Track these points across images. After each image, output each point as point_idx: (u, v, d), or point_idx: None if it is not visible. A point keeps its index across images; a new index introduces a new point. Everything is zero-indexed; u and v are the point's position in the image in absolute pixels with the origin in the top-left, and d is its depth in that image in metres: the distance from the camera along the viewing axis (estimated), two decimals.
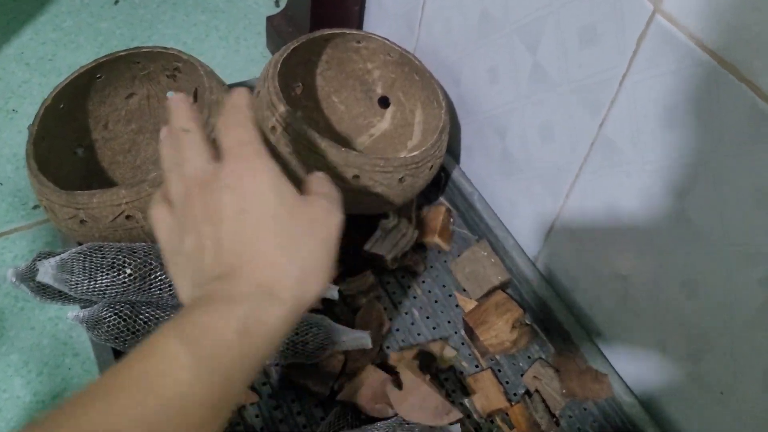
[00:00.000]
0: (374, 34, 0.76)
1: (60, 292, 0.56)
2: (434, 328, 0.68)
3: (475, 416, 0.62)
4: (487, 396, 0.62)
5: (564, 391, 0.62)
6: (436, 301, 0.70)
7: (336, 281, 0.68)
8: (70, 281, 0.54)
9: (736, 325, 0.50)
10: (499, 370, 0.65)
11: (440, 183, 0.80)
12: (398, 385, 0.58)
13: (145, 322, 0.55)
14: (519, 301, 0.69)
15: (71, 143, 0.71)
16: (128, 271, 0.55)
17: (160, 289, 0.56)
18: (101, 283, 0.54)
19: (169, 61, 0.71)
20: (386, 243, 0.71)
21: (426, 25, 0.79)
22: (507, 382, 0.65)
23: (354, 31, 0.76)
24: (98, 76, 0.69)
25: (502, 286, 0.71)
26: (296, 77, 0.78)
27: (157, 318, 0.56)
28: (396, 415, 0.56)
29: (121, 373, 0.30)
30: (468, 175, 0.80)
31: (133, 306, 0.56)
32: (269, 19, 1.15)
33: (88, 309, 0.55)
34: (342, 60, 0.79)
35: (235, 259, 0.35)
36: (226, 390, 0.32)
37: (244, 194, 0.36)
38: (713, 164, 0.47)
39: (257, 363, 0.34)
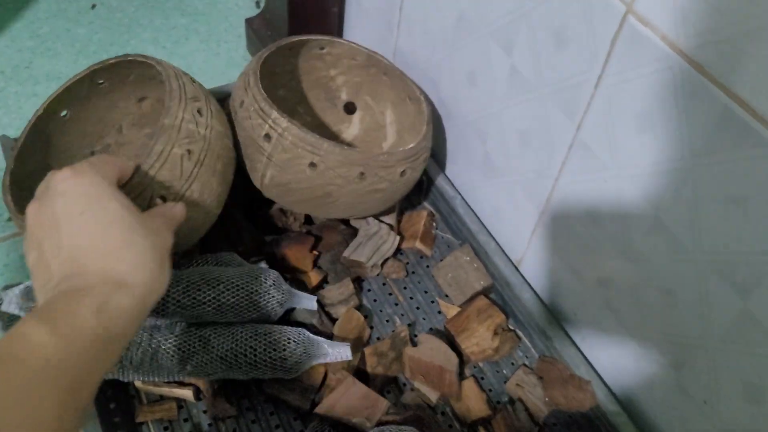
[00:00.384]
0: (340, 39, 0.75)
1: None
2: (416, 336, 0.67)
3: (458, 425, 0.61)
4: (469, 405, 0.61)
5: (547, 399, 0.62)
6: (418, 308, 0.69)
7: (314, 290, 0.67)
8: None
9: (714, 333, 0.49)
10: (482, 378, 0.64)
11: (422, 187, 0.79)
12: None
13: None
14: (502, 306, 0.68)
15: (79, 149, 0.69)
16: None
17: None
18: None
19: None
20: (367, 249, 0.70)
21: (404, 28, 0.78)
22: (490, 390, 0.64)
23: (319, 37, 0.74)
24: (100, 81, 0.67)
25: (485, 291, 0.70)
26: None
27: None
28: (375, 426, 0.55)
29: None
30: (451, 179, 0.79)
31: None
32: (248, 21, 1.13)
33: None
34: (305, 69, 0.78)
35: (81, 255, 0.38)
36: (88, 367, 0.35)
37: (79, 198, 0.39)
38: (686, 169, 0.46)
39: (116, 346, 0.37)
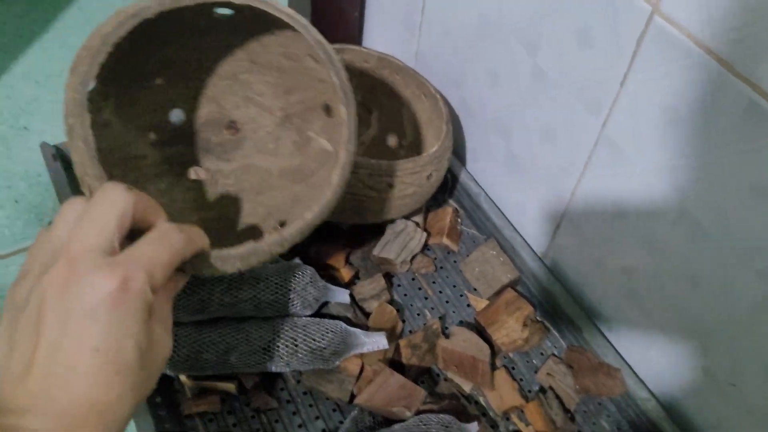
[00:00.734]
0: (351, 45, 0.77)
1: None
2: (446, 329, 0.69)
3: (491, 414, 0.63)
4: (502, 394, 0.63)
5: (578, 387, 0.63)
6: (447, 302, 0.71)
7: (346, 286, 0.70)
8: None
9: (738, 318, 0.51)
10: (513, 368, 0.66)
11: (447, 185, 0.81)
12: None
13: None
14: (529, 299, 0.70)
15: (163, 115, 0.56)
16: None
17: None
18: None
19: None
20: (395, 246, 0.72)
21: (426, 30, 0.80)
22: (521, 380, 0.66)
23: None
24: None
25: (512, 284, 0.72)
26: None
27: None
28: (414, 415, 0.58)
29: None
30: (474, 176, 0.81)
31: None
32: None
33: None
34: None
35: (60, 396, 0.30)
36: None
37: (105, 328, 0.31)
38: (713, 161, 0.48)
39: None
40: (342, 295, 0.66)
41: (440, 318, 0.69)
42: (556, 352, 0.68)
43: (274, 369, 0.59)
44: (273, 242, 0.45)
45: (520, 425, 0.62)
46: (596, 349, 0.66)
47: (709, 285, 0.52)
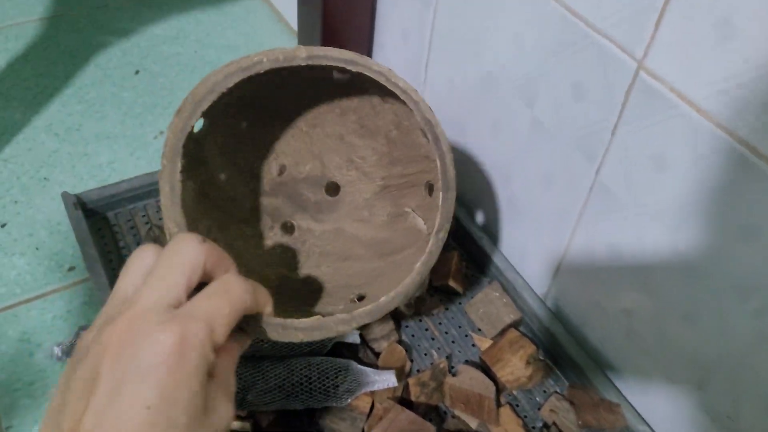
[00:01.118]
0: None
1: None
2: (452, 367, 0.71)
3: None
4: (507, 430, 0.65)
5: (580, 422, 0.66)
6: (453, 342, 0.74)
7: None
8: None
9: (734, 355, 0.53)
10: (517, 405, 0.69)
11: (451, 230, 0.85)
12: None
13: None
14: (531, 338, 0.73)
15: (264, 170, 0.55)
16: None
17: None
18: None
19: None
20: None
21: (430, 84, 0.86)
22: (525, 416, 0.68)
23: None
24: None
25: (515, 325, 0.75)
26: None
27: None
28: None
29: None
30: (477, 221, 0.85)
31: None
32: None
33: None
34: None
35: None
36: None
37: (158, 385, 0.29)
38: (702, 205, 0.52)
39: None
40: (353, 336, 0.69)
41: (447, 357, 0.72)
42: (558, 390, 0.70)
43: (289, 407, 0.62)
44: (340, 320, 0.43)
45: None
46: (598, 387, 0.68)
47: (706, 324, 0.55)
